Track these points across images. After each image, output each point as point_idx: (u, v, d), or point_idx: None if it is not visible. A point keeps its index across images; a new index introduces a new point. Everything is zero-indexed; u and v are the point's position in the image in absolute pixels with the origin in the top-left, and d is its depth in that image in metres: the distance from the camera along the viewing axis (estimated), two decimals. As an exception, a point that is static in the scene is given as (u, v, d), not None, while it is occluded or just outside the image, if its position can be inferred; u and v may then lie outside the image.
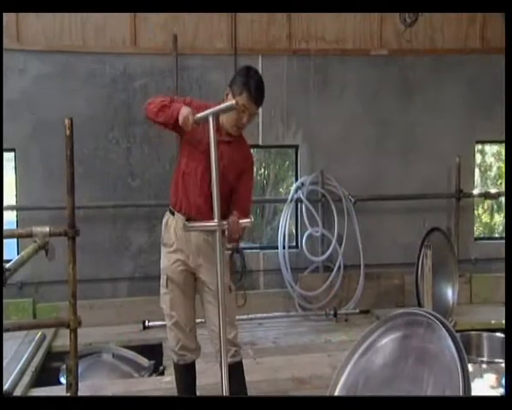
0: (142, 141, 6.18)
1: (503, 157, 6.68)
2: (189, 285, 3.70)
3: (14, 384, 4.18)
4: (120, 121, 6.14)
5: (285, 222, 6.35)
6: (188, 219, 3.54)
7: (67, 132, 3.41)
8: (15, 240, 5.70)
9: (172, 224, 3.67)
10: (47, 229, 3.14)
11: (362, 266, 6.33)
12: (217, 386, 3.53)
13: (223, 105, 3.37)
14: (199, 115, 3.35)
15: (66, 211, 3.46)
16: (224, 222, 3.32)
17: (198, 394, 3.78)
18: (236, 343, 3.74)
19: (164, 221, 3.76)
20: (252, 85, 3.46)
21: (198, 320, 3.78)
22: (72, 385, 3.61)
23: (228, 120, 3.53)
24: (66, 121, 3.41)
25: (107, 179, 6.13)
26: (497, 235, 7.87)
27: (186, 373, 3.77)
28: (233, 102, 3.32)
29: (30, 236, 3.24)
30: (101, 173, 6.11)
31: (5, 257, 4.40)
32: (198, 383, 3.80)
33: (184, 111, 3.36)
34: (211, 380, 3.83)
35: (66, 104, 5.83)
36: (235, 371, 3.66)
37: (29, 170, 6.00)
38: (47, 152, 5.89)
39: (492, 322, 6.06)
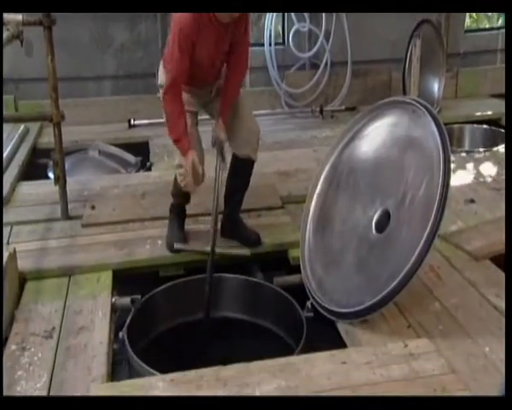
0: None
1: None
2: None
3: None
4: None
5: (271, 18, 6.11)
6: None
7: None
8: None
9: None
10: (20, 17, 3.00)
11: (349, 63, 6.20)
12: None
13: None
14: None
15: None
16: None
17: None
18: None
19: None
20: None
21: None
22: (60, 178, 3.68)
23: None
24: None
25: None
26: (487, 26, 7.49)
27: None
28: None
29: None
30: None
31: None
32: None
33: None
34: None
35: None
36: (248, 168, 3.52)
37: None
38: None
39: (477, 114, 6.11)
